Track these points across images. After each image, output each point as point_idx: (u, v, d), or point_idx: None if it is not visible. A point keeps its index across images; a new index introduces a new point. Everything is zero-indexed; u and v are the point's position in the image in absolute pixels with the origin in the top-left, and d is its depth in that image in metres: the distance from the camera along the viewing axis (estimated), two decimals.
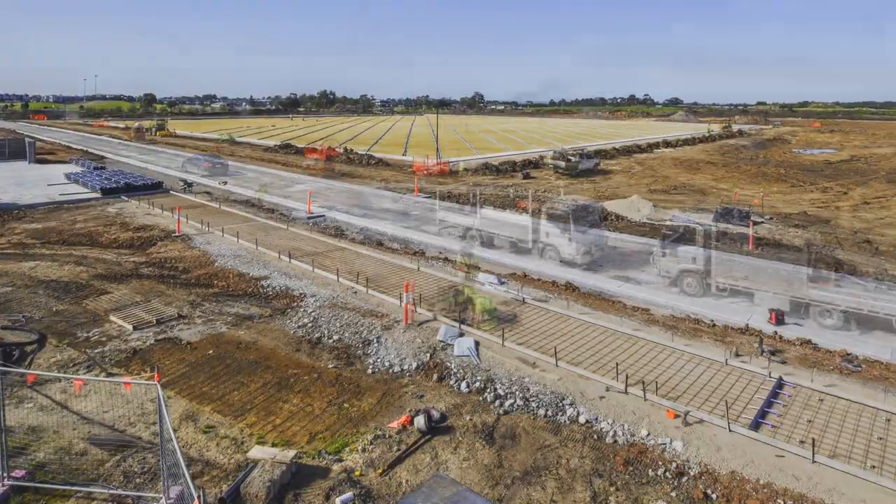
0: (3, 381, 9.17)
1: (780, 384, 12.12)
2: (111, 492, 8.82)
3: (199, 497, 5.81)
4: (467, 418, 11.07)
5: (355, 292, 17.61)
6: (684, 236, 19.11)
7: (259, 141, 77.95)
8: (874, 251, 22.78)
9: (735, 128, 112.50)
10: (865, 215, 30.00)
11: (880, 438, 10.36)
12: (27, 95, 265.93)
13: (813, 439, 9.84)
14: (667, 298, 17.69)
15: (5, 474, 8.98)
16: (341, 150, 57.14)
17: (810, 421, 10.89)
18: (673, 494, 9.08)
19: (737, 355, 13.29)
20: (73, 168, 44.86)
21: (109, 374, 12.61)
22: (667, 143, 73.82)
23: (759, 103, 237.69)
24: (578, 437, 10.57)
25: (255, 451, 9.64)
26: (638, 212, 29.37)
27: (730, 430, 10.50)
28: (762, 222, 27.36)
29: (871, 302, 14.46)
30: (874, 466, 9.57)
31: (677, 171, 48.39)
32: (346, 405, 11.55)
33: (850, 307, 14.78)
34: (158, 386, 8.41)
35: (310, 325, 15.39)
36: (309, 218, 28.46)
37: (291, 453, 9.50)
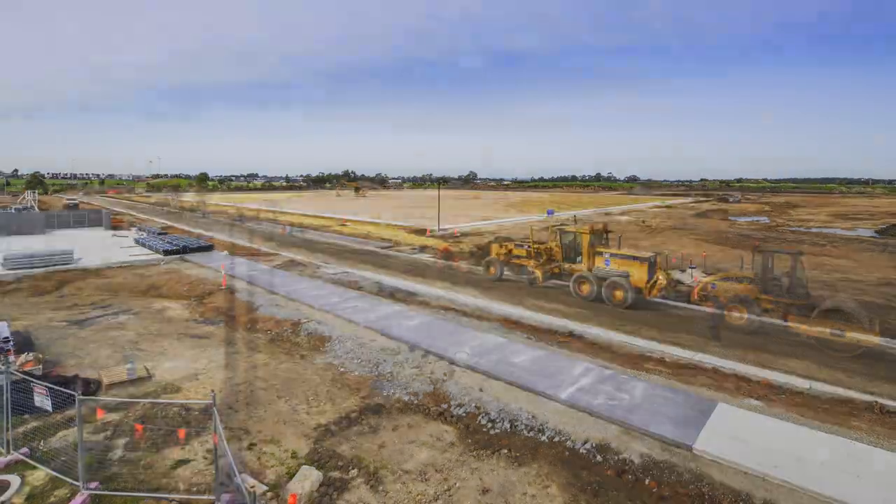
0: (81, 408, 9.35)
1: None
2: (172, 497, 8.97)
3: (250, 495, 6.10)
4: None
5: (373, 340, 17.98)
6: None
7: (291, 209, 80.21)
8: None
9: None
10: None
11: None
12: (102, 174, 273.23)
13: None
14: None
15: (84, 486, 9.14)
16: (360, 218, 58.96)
17: None
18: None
19: None
20: (140, 234, 45.95)
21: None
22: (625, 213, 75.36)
23: (702, 180, 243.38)
24: None
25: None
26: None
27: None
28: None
29: None
30: None
31: (638, 235, 49.49)
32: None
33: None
34: (215, 408, 8.74)
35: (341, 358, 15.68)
36: (334, 273, 29.07)
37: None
